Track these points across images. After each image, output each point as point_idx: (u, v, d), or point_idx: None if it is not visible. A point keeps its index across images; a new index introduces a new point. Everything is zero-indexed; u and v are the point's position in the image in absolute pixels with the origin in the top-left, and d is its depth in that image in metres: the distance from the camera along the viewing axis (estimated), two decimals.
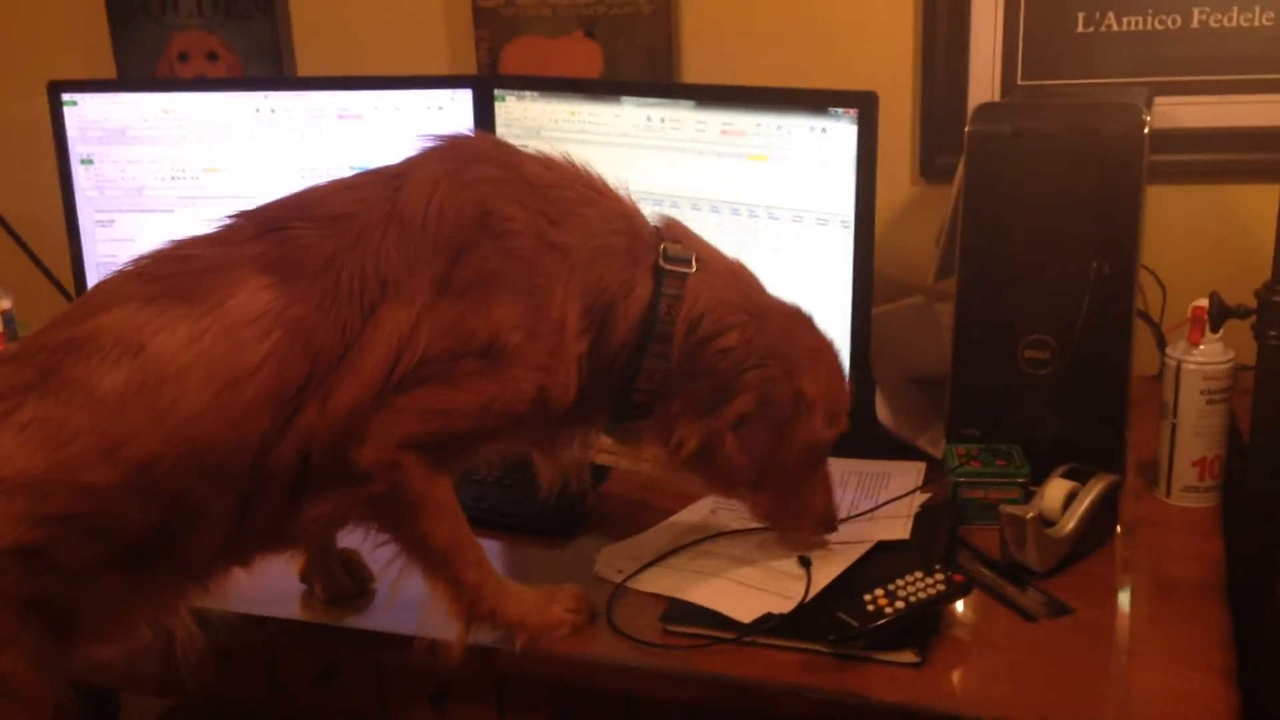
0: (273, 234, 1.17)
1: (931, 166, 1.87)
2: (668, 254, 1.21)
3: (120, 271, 1.18)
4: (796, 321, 1.26)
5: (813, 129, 1.48)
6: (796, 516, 1.31)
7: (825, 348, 1.27)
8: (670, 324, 1.19)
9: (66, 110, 1.86)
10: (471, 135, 1.26)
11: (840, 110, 1.45)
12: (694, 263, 1.21)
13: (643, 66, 1.97)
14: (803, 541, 1.33)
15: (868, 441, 1.60)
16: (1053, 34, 1.78)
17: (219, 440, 1.10)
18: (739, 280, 1.25)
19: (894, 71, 1.86)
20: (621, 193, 1.25)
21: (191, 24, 2.17)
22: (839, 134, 1.46)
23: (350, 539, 1.30)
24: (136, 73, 2.19)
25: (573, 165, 1.25)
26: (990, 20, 1.80)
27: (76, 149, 1.87)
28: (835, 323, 1.50)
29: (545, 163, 1.24)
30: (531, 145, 1.72)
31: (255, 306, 1.11)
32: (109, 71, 2.21)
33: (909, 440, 1.57)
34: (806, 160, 1.50)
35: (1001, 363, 1.47)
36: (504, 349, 1.15)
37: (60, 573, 1.11)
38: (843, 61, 1.88)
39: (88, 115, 1.86)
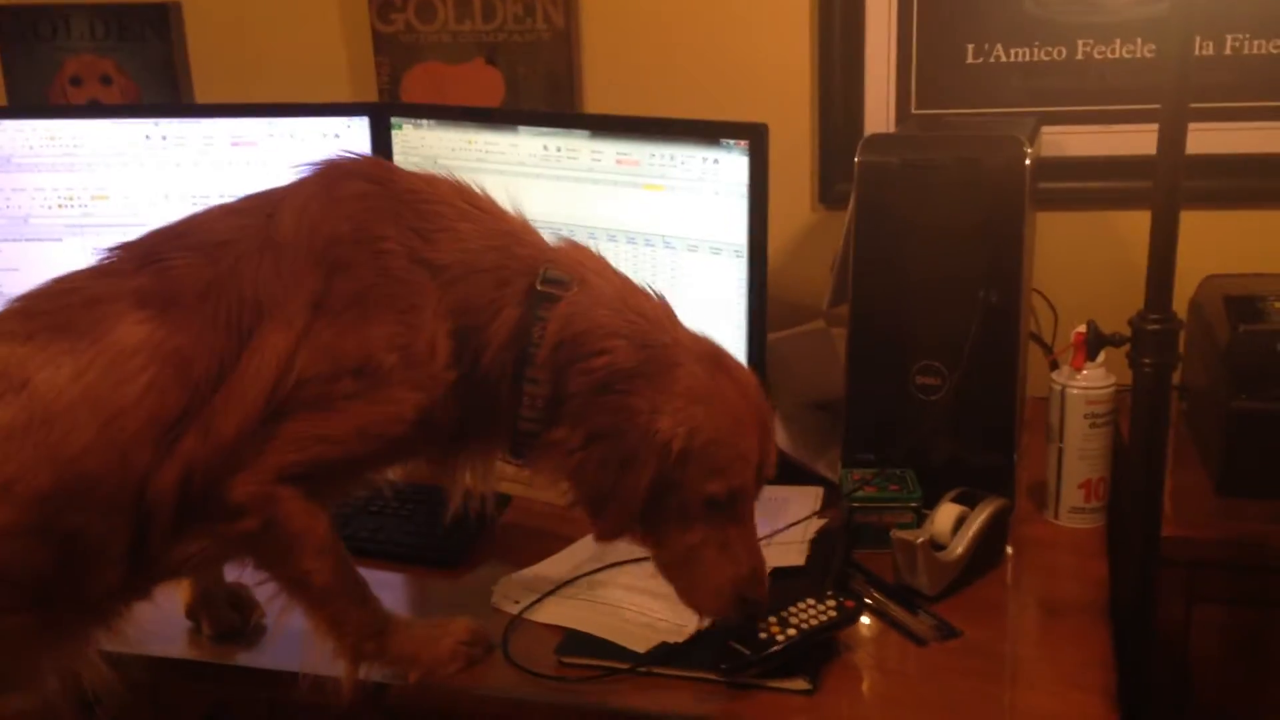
0: (152, 265, 1.16)
1: (830, 193, 1.90)
2: (545, 276, 1.16)
3: (3, 309, 1.16)
4: (695, 358, 1.15)
5: (705, 159, 1.50)
6: (694, 581, 1.17)
7: (723, 393, 1.14)
8: (538, 347, 1.15)
9: None
10: (350, 157, 1.24)
11: (732, 141, 1.47)
12: (575, 285, 1.16)
13: (544, 94, 1.98)
14: (702, 609, 1.19)
15: None
16: (944, 64, 1.82)
17: (107, 474, 1.09)
18: (627, 307, 1.17)
19: (793, 99, 1.89)
20: (510, 211, 1.23)
21: (84, 47, 2.12)
22: (731, 164, 1.48)
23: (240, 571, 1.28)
24: (27, 96, 2.14)
25: (454, 182, 1.22)
26: (884, 50, 1.84)
27: None
28: (732, 349, 1.51)
29: (425, 179, 1.22)
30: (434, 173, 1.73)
31: (134, 339, 1.11)
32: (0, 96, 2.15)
33: (807, 465, 1.59)
34: (700, 190, 1.51)
35: (894, 388, 1.49)
36: (378, 369, 1.13)
37: None
38: (742, 91, 1.90)
39: None
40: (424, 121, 1.74)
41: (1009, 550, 1.42)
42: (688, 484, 1.13)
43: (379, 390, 1.14)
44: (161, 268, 1.15)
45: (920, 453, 1.48)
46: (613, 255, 1.58)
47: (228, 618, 1.32)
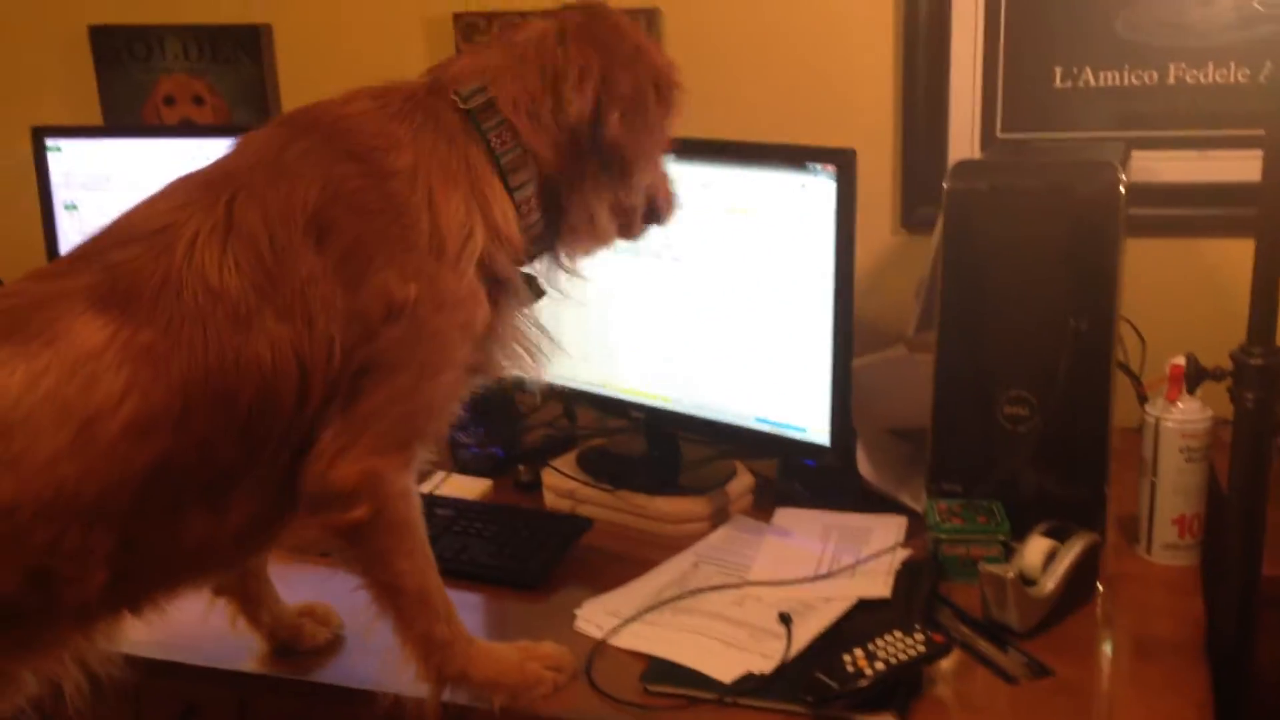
0: (95, 262, 1.10)
1: (912, 217, 1.88)
2: (461, 95, 1.17)
3: None
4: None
5: (792, 184, 1.49)
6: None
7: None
8: (516, 149, 1.18)
9: (50, 156, 1.87)
10: (271, 121, 1.20)
11: (819, 166, 1.46)
12: (480, 85, 1.18)
13: None
14: None
15: (848, 494, 1.61)
16: (1031, 88, 1.80)
17: (88, 478, 1.04)
18: (516, 55, 1.21)
19: (875, 120, 1.88)
20: (377, 85, 1.21)
21: (178, 68, 2.17)
22: (818, 189, 1.47)
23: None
24: (122, 116, 2.20)
25: (365, 88, 1.21)
26: (969, 72, 1.82)
27: (60, 194, 1.88)
28: (816, 375, 1.51)
29: (338, 103, 1.19)
30: None
31: (97, 339, 1.05)
32: (95, 114, 2.21)
33: (890, 494, 1.57)
34: (786, 215, 1.51)
35: (981, 417, 1.47)
36: (405, 306, 1.11)
37: None
38: (824, 112, 1.89)
39: (72, 161, 1.86)
40: None
41: (1100, 586, 1.39)
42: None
43: (421, 325, 1.12)
44: (105, 264, 1.09)
45: (1007, 484, 1.46)
46: (697, 279, 1.59)
47: (310, 631, 1.34)
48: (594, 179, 1.22)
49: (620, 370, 1.70)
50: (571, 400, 1.82)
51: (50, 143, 1.86)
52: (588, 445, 1.79)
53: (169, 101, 2.20)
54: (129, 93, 2.19)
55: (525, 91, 1.19)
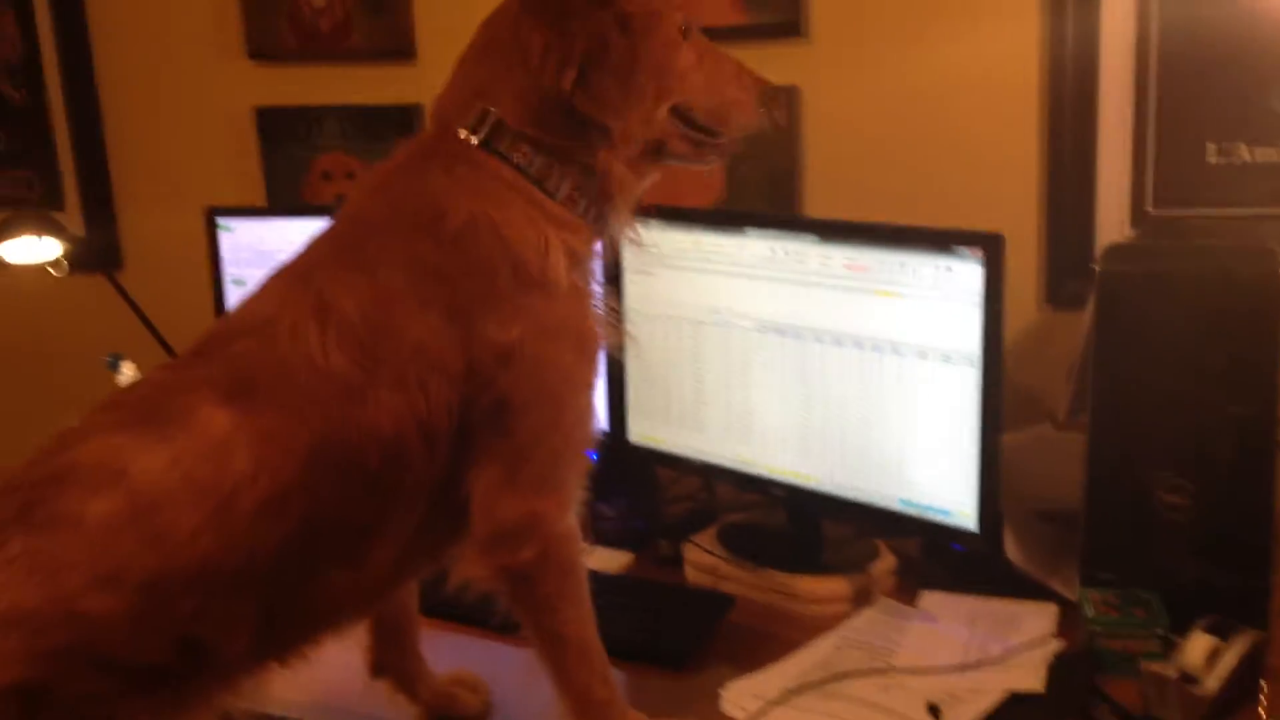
0: (216, 355, 1.17)
1: (1059, 292, 1.86)
2: (470, 129, 1.22)
3: (91, 410, 1.18)
4: None
5: (938, 267, 1.49)
6: (718, 99, 1.28)
7: None
8: (537, 155, 1.22)
9: (221, 234, 1.98)
10: (339, 216, 1.27)
11: (966, 250, 1.46)
12: (485, 109, 1.21)
13: (765, 189, 2.01)
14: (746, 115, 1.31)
15: (995, 579, 1.58)
16: (1183, 164, 1.77)
17: (229, 551, 1.10)
18: (495, 55, 1.23)
19: (1019, 195, 1.86)
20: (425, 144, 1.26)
21: (334, 145, 2.28)
22: (964, 273, 1.47)
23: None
24: (284, 191, 2.31)
25: (382, 165, 1.26)
26: (1118, 146, 1.80)
27: (229, 270, 1.98)
28: (962, 457, 1.50)
29: (384, 182, 1.25)
30: (656, 272, 1.79)
31: (225, 426, 1.11)
32: (259, 188, 2.33)
33: (1040, 579, 1.54)
34: (932, 297, 1.51)
35: (1136, 504, 1.44)
36: (513, 348, 1.17)
37: (69, 709, 1.07)
38: (967, 186, 1.88)
39: (240, 239, 1.97)
40: (652, 221, 1.79)
41: (1264, 684, 1.34)
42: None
43: (536, 360, 1.18)
44: (226, 356, 1.16)
45: (1164, 573, 1.42)
46: (840, 360, 1.60)
47: (464, 699, 1.39)
48: (598, 139, 1.23)
49: (762, 447, 1.71)
50: (712, 475, 1.84)
51: (221, 221, 1.98)
52: (729, 520, 1.80)
53: (326, 177, 2.30)
54: (290, 169, 2.31)
55: (517, 94, 1.21)
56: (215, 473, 1.10)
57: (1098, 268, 1.46)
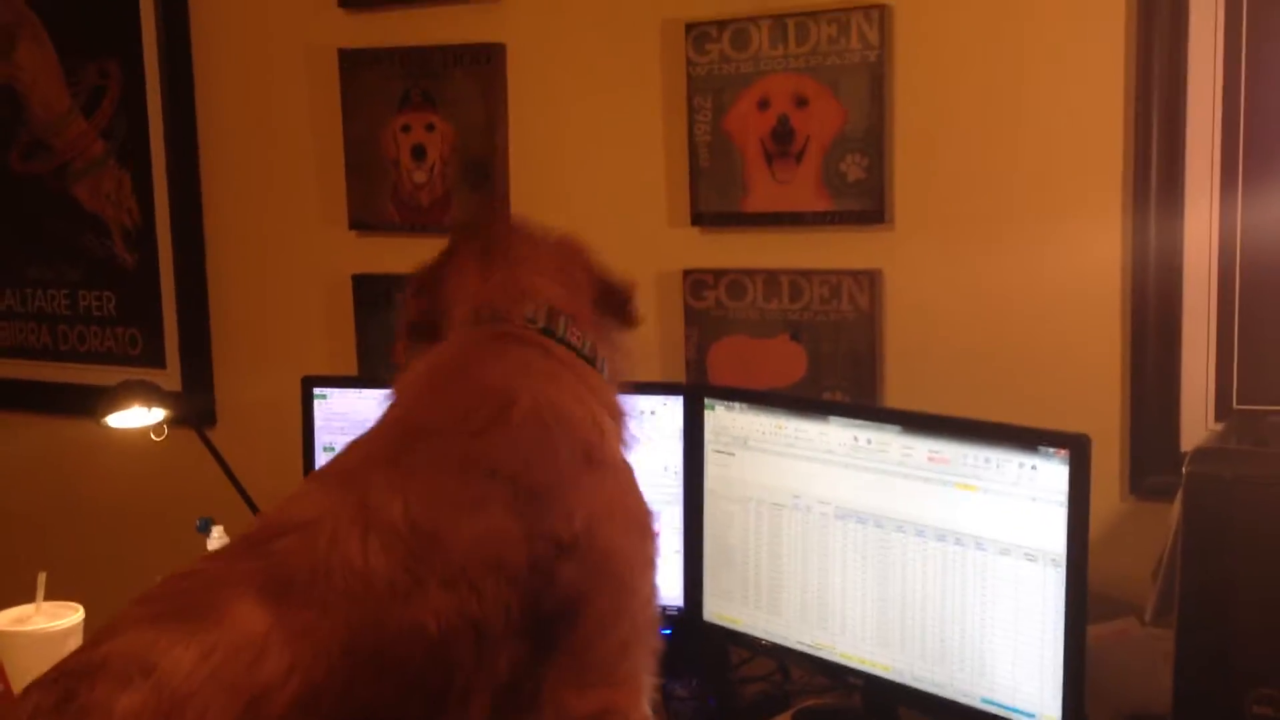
0: (258, 550, 1.19)
1: (1142, 485, 1.84)
2: (529, 318, 1.33)
3: (133, 599, 1.20)
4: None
5: (1022, 464, 1.50)
6: None
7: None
8: (586, 335, 1.37)
9: (316, 402, 2.05)
10: (385, 419, 1.31)
11: (1051, 450, 1.47)
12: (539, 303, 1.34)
13: (846, 371, 2.04)
14: None
15: None
16: (1269, 358, 1.76)
17: None
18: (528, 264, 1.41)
19: (1102, 385, 1.86)
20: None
21: None
22: (1049, 472, 1.47)
23: None
24: (375, 354, 2.39)
25: (430, 365, 1.33)
26: (1202, 340, 1.80)
27: (322, 437, 2.05)
28: (1046, 660, 1.47)
29: (449, 381, 1.30)
30: (738, 454, 1.81)
31: (260, 624, 1.12)
32: (350, 350, 2.41)
33: None
34: (1015, 494, 1.51)
35: (1228, 716, 1.40)
36: (575, 539, 1.18)
37: None
38: (1047, 375, 1.89)
39: (334, 407, 2.04)
40: (736, 404, 1.83)
41: None
42: None
43: (598, 547, 1.20)
44: (266, 550, 1.17)
45: None
46: (921, 551, 1.60)
47: None
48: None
49: (839, 634, 1.70)
50: (787, 659, 1.82)
51: (317, 391, 2.05)
52: (805, 706, 1.78)
53: None
54: (383, 334, 2.39)
55: (563, 285, 1.37)
56: (246, 671, 1.10)
57: (1185, 469, 1.45)
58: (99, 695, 1.08)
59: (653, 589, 1.27)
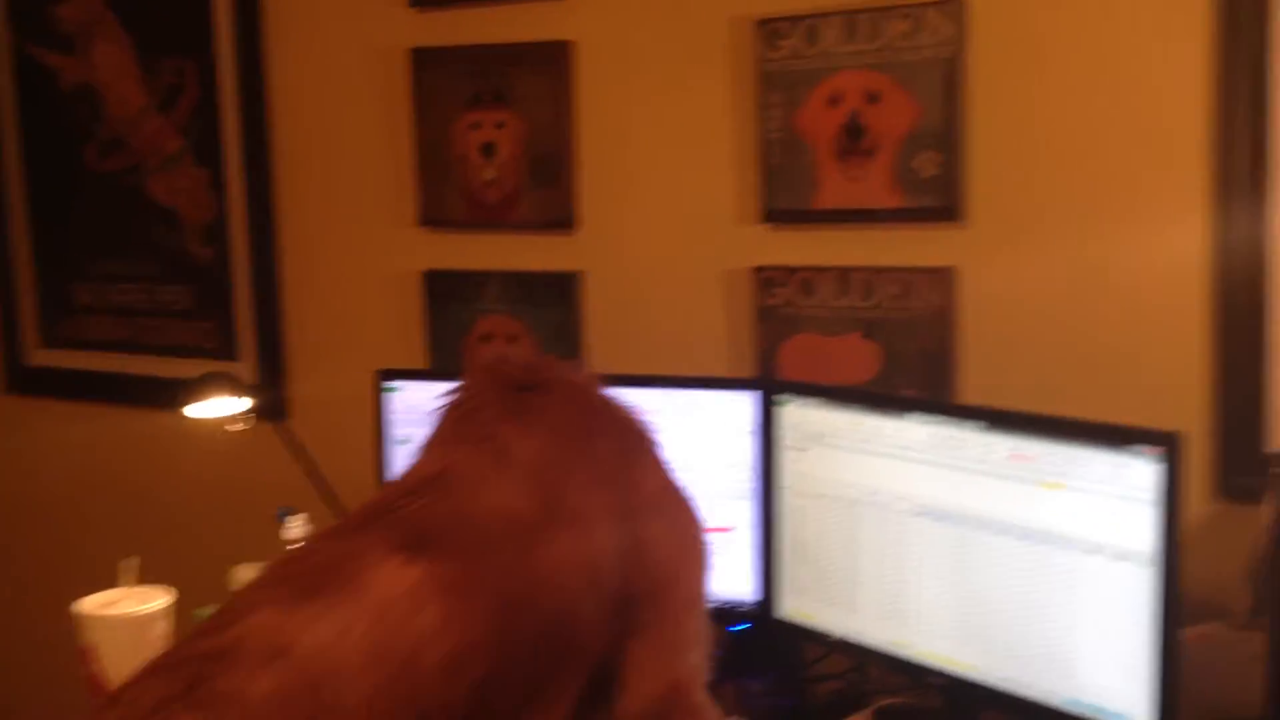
0: (384, 518, 1.19)
1: (1231, 486, 1.80)
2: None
3: (254, 578, 1.20)
4: None
5: (1111, 463, 1.48)
6: None
7: None
8: None
9: (389, 395, 2.07)
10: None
11: (1142, 447, 1.45)
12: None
13: (919, 369, 2.02)
14: None
15: None
16: None
17: (414, 709, 1.08)
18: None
19: (1185, 386, 1.83)
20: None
21: (498, 309, 2.38)
22: (1139, 470, 1.45)
23: None
24: (445, 351, 2.41)
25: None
26: None
27: (395, 430, 2.06)
28: (1137, 661, 1.45)
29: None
30: (812, 450, 1.80)
31: (406, 581, 1.11)
32: (420, 345, 2.43)
33: None
34: (1103, 492, 1.49)
35: None
36: (660, 501, 1.29)
37: None
38: (1128, 374, 1.87)
39: (408, 399, 2.06)
40: (810, 399, 1.82)
41: None
42: None
43: (680, 500, 1.30)
44: (398, 517, 1.17)
45: None
46: (1004, 551, 1.58)
47: None
48: None
49: (918, 632, 1.69)
50: (865, 657, 1.82)
51: (389, 383, 2.07)
52: (885, 704, 1.77)
53: (485, 339, 2.40)
54: (452, 330, 2.41)
55: None
56: (393, 633, 1.09)
57: (1273, 469, 1.42)
58: (233, 680, 1.06)
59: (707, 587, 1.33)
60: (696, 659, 1.26)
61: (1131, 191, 1.86)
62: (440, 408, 1.35)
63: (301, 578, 1.15)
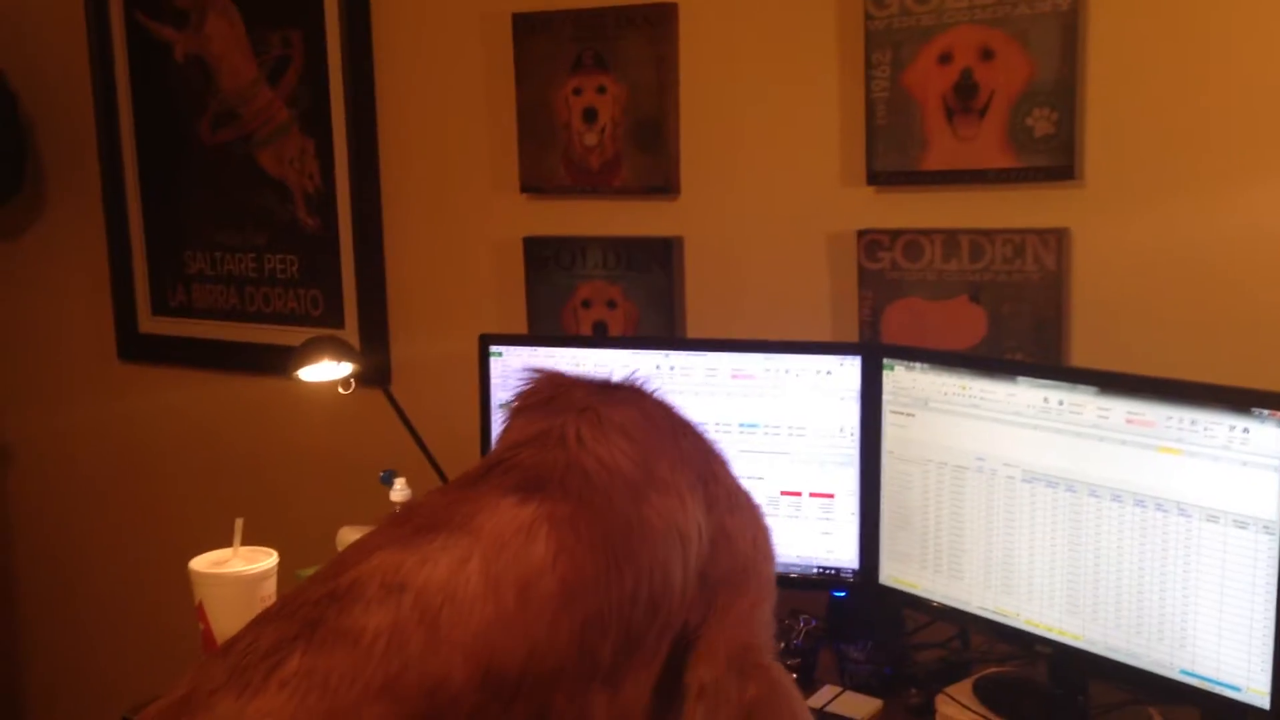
0: (493, 471, 1.23)
1: None
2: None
3: (369, 533, 1.21)
4: None
5: (1233, 428, 1.42)
6: None
7: None
8: None
9: (492, 360, 2.09)
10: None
11: (1265, 412, 1.39)
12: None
13: (1029, 334, 1.97)
14: None
15: None
16: None
17: (517, 643, 1.09)
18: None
19: None
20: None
21: (596, 275, 2.38)
22: (1263, 435, 1.40)
23: None
24: (546, 316, 2.42)
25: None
26: None
27: (498, 394, 2.08)
28: (1256, 631, 1.40)
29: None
30: (918, 415, 1.77)
31: (520, 517, 1.14)
32: (520, 311, 2.45)
33: None
34: (1224, 458, 1.43)
35: None
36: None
37: None
38: (1243, 338, 1.79)
39: (509, 364, 2.08)
40: (916, 364, 1.79)
41: None
42: None
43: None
44: (507, 467, 1.22)
45: None
46: (1118, 517, 1.53)
47: None
48: None
49: (1025, 600, 1.65)
50: (968, 624, 1.78)
51: (493, 349, 2.09)
52: (987, 673, 1.74)
53: (586, 304, 2.40)
54: (552, 295, 2.42)
55: None
56: (511, 564, 1.11)
57: None
58: (351, 618, 1.07)
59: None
60: (766, 638, 1.28)
61: (1253, 148, 1.78)
62: (520, 392, 1.37)
63: (417, 521, 1.17)
